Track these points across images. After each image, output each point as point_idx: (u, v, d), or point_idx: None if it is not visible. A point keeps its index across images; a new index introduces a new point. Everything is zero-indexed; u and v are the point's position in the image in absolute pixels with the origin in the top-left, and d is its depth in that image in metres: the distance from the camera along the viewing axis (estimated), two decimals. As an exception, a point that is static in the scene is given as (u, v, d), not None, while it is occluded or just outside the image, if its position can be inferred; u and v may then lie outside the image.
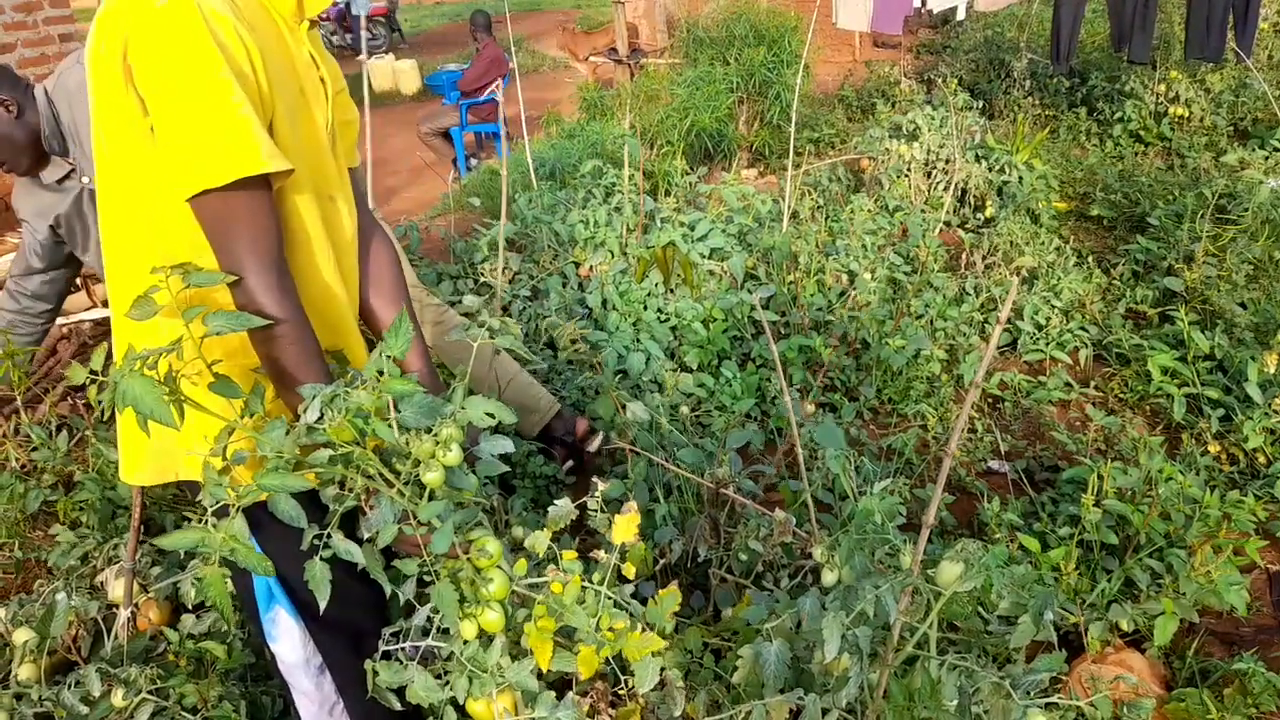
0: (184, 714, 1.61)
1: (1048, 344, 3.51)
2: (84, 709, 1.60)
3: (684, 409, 3.03)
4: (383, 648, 1.44)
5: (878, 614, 1.30)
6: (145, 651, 1.79)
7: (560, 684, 1.62)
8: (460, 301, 3.53)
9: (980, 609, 1.72)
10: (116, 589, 1.80)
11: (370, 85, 10.77)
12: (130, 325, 1.17)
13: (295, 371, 1.21)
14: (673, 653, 1.51)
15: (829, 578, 1.55)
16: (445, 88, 7.96)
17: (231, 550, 1.05)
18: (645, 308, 3.42)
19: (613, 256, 3.72)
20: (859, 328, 3.41)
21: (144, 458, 1.32)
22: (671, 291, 3.51)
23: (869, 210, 4.31)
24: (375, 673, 1.42)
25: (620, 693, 1.69)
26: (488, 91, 7.20)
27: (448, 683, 1.38)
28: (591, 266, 3.69)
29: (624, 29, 7.87)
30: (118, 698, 1.59)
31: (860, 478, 2.46)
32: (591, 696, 1.58)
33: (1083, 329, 3.57)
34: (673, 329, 3.37)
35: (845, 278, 3.70)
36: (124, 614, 1.77)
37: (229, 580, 1.12)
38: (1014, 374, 3.37)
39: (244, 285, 1.16)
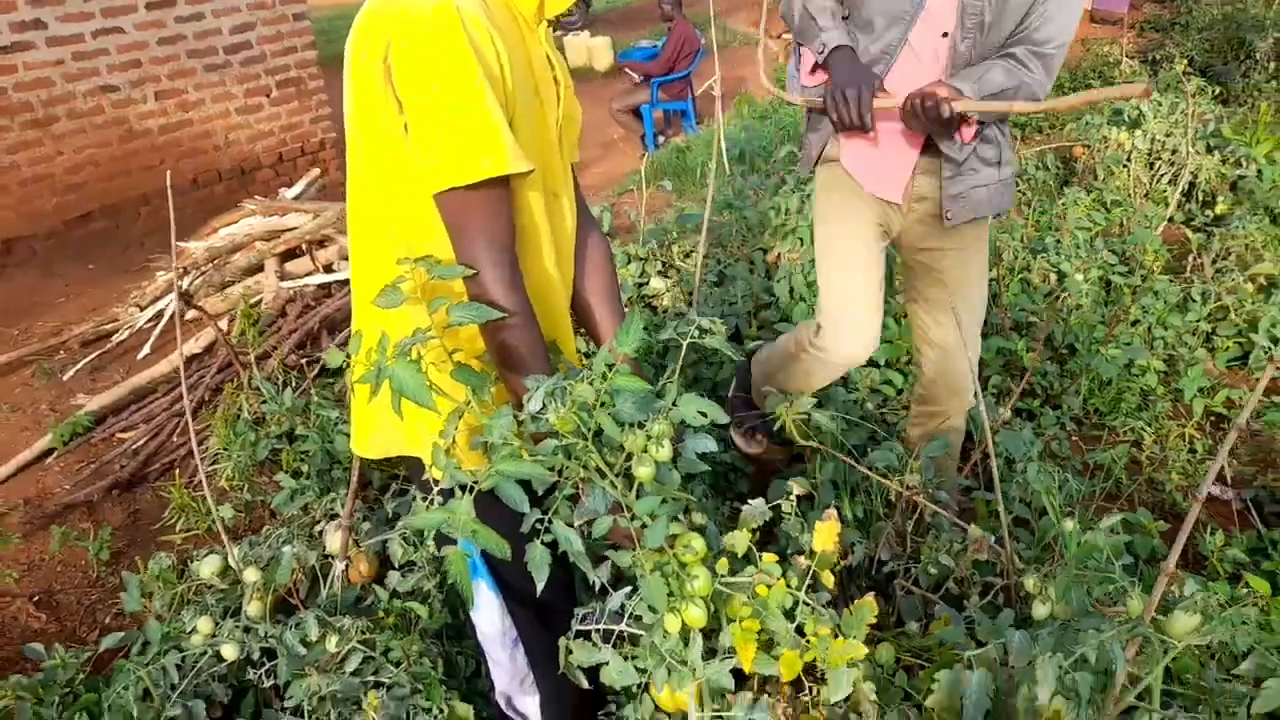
0: (389, 665, 1.73)
1: (1286, 361, 3.15)
2: (302, 650, 1.74)
3: (869, 406, 2.94)
4: (576, 627, 1.49)
5: (1099, 658, 1.21)
6: (356, 601, 1.93)
7: (739, 683, 1.62)
8: (647, 284, 3.57)
9: (1205, 657, 1.58)
10: (334, 541, 1.95)
11: (567, 62, 11.06)
12: (373, 311, 1.25)
13: (522, 361, 1.26)
14: (865, 665, 1.47)
15: (1040, 611, 1.46)
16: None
17: (473, 532, 1.10)
18: (834, 298, 3.33)
19: (802, 245, 3.64)
20: (1066, 332, 3.18)
21: (376, 434, 1.41)
22: (862, 283, 3.40)
23: (1084, 205, 4.01)
24: (569, 650, 1.47)
25: (801, 699, 1.67)
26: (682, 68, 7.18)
27: (641, 669, 1.41)
28: (780, 254, 3.63)
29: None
30: (331, 644, 1.73)
31: (1063, 495, 2.30)
32: (778, 702, 1.56)
33: (1330, 346, 3.19)
34: (861, 323, 3.27)
35: (1054, 277, 3.47)
36: (339, 565, 1.91)
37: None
38: (1244, 391, 3.05)
39: (479, 278, 1.21)
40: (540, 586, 1.22)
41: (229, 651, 1.74)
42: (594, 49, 10.85)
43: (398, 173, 1.25)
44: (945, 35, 1.93)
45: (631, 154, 7.31)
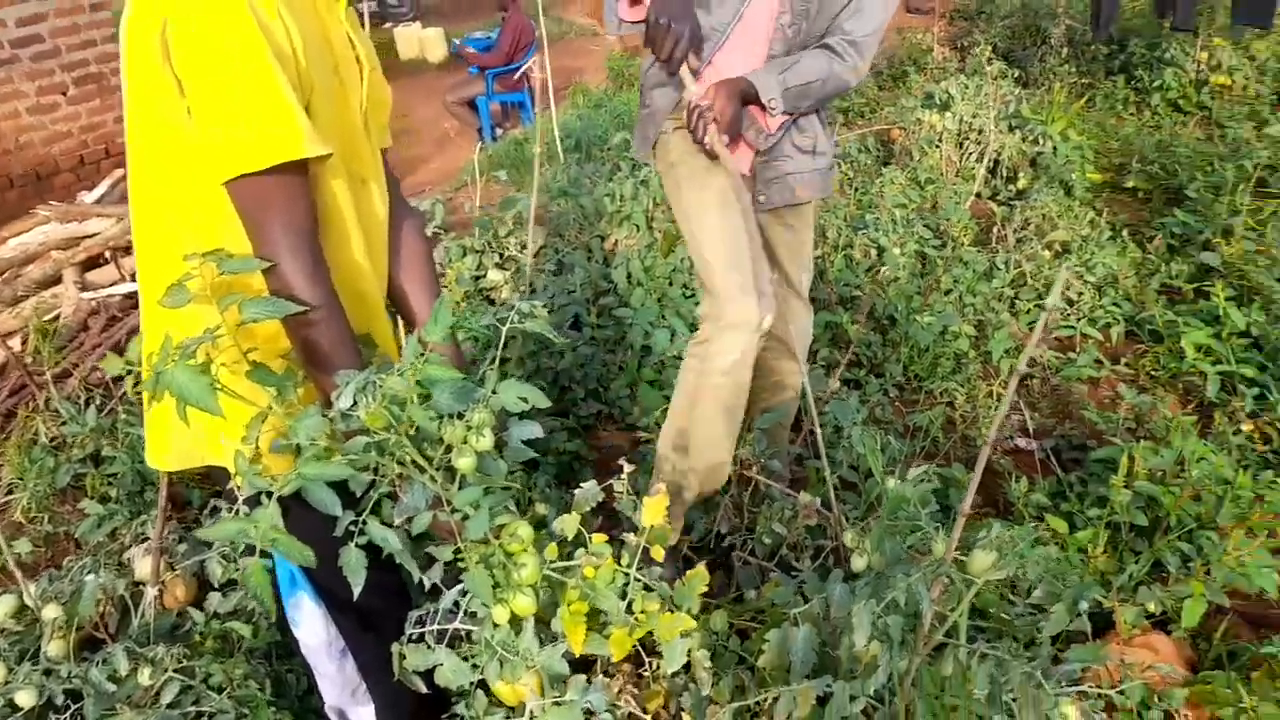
0: (210, 693, 1.63)
1: (1079, 320, 3.44)
2: (111, 687, 1.61)
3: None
4: (410, 631, 1.44)
5: (908, 602, 1.28)
6: (172, 629, 1.81)
7: (582, 665, 1.62)
8: (484, 276, 3.51)
9: (1009, 593, 1.70)
10: (143, 567, 1.82)
11: (398, 54, 10.57)
12: (162, 312, 1.17)
13: (329, 356, 1.20)
14: (700, 634, 1.50)
15: (859, 564, 1.53)
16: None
17: (273, 540, 1.04)
18: (671, 283, 3.38)
19: (639, 230, 3.68)
20: (886, 303, 3.35)
21: (171, 443, 1.32)
22: (696, 266, 3.46)
23: (900, 183, 4.23)
24: (403, 655, 1.43)
25: (644, 675, 1.69)
26: (517, 72, 7.10)
27: (477, 665, 1.38)
28: (617, 241, 3.65)
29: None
30: (144, 676, 1.61)
31: (886, 457, 2.43)
32: (617, 679, 1.57)
33: (1115, 305, 3.50)
34: (698, 305, 3.33)
35: (874, 252, 3.64)
36: (151, 592, 1.78)
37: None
38: (1043, 350, 3.31)
39: (279, 270, 1.15)
40: (357, 591, 1.17)
41: (24, 698, 1.59)
42: (426, 40, 10.59)
43: (182, 160, 1.16)
44: (776, 18, 1.98)
45: (468, 148, 7.17)
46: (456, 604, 1.45)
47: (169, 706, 1.59)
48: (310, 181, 1.20)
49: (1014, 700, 1.32)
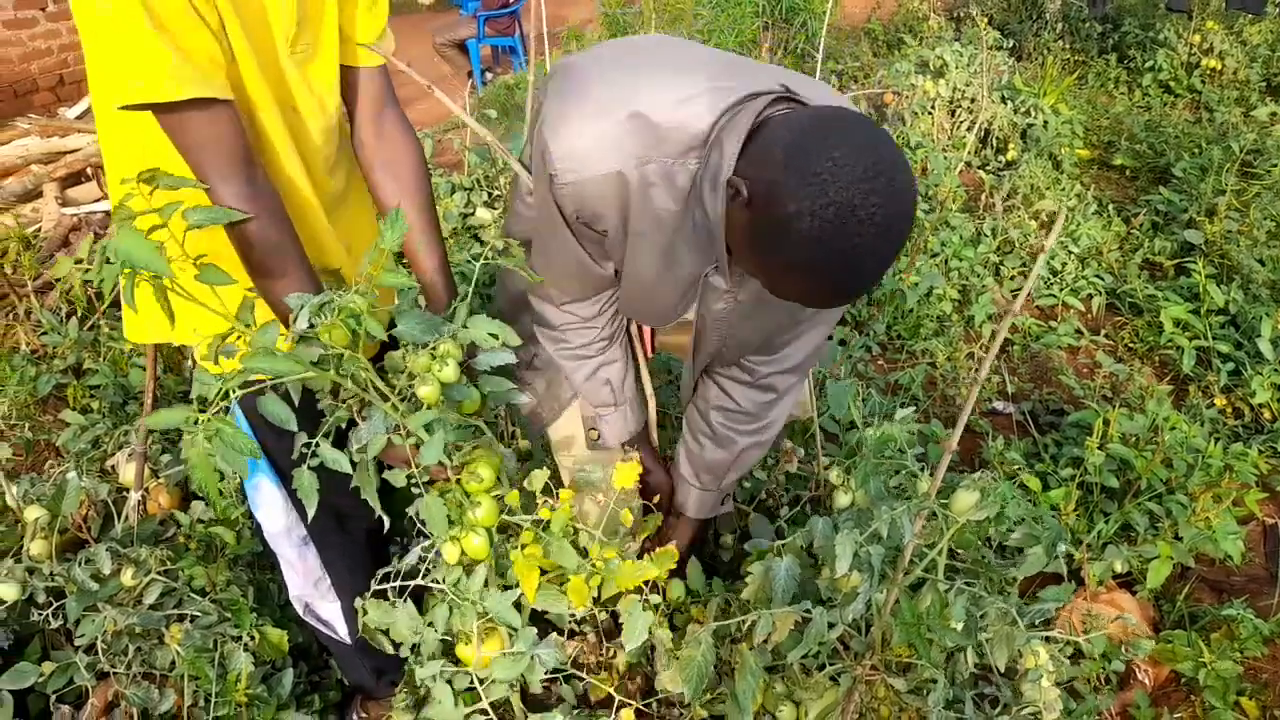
0: (192, 595, 1.64)
1: (1062, 290, 3.48)
2: (94, 585, 1.61)
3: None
4: (374, 587, 1.42)
5: (890, 535, 1.30)
6: (155, 534, 1.81)
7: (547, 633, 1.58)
8: (473, 214, 3.48)
9: (986, 542, 1.74)
10: (127, 472, 1.81)
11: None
12: None
13: (272, 267, 1.18)
14: (662, 608, 1.46)
15: (843, 500, 1.56)
16: (463, -3, 7.72)
17: (217, 431, 1.03)
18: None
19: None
20: (874, 263, 3.37)
21: (145, 314, 1.31)
22: (687, 215, 3.45)
23: (891, 145, 4.24)
24: (365, 611, 1.40)
25: (607, 648, 1.64)
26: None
27: (432, 625, 1.37)
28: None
29: (649, -55, 7.60)
30: (127, 576, 1.61)
31: (867, 410, 2.46)
32: (579, 644, 1.54)
33: (1098, 277, 3.55)
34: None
35: (863, 212, 3.65)
36: (135, 496, 1.77)
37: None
38: (1025, 317, 3.35)
39: (213, 195, 1.13)
40: (311, 513, 1.15)
41: (8, 592, 1.59)
42: (417, -21, 10.35)
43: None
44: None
45: (459, 92, 7.07)
46: (422, 559, 1.42)
47: (151, 608, 1.60)
48: (240, 110, 1.17)
49: (988, 639, 1.36)
